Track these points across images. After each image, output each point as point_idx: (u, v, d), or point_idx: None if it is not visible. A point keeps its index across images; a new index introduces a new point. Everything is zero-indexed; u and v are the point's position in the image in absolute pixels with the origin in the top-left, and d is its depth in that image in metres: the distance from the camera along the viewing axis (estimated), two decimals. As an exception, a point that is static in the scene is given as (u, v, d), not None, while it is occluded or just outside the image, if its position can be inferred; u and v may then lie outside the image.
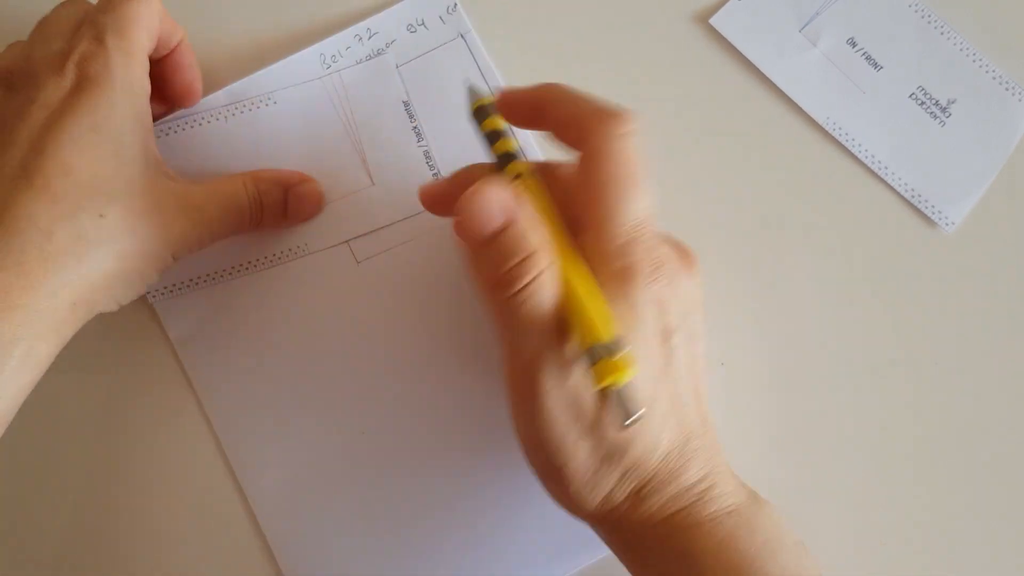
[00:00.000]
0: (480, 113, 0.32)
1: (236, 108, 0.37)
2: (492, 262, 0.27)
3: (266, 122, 0.37)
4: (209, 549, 0.36)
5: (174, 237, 0.32)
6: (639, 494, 0.28)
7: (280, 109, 0.38)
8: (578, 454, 0.27)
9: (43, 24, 0.33)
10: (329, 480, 0.36)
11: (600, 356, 0.25)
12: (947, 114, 0.39)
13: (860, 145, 0.39)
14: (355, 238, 0.37)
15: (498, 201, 0.26)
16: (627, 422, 0.25)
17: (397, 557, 0.36)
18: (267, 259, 0.37)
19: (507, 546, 0.36)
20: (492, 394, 0.36)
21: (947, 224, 0.38)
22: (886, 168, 0.39)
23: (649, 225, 0.28)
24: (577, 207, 0.29)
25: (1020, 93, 0.39)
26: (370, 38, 0.39)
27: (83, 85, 0.30)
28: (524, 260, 0.26)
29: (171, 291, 0.36)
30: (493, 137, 0.31)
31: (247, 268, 0.37)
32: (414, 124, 0.38)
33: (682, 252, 0.30)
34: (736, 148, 0.39)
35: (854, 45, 0.40)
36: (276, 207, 0.36)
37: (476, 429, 0.36)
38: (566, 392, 0.27)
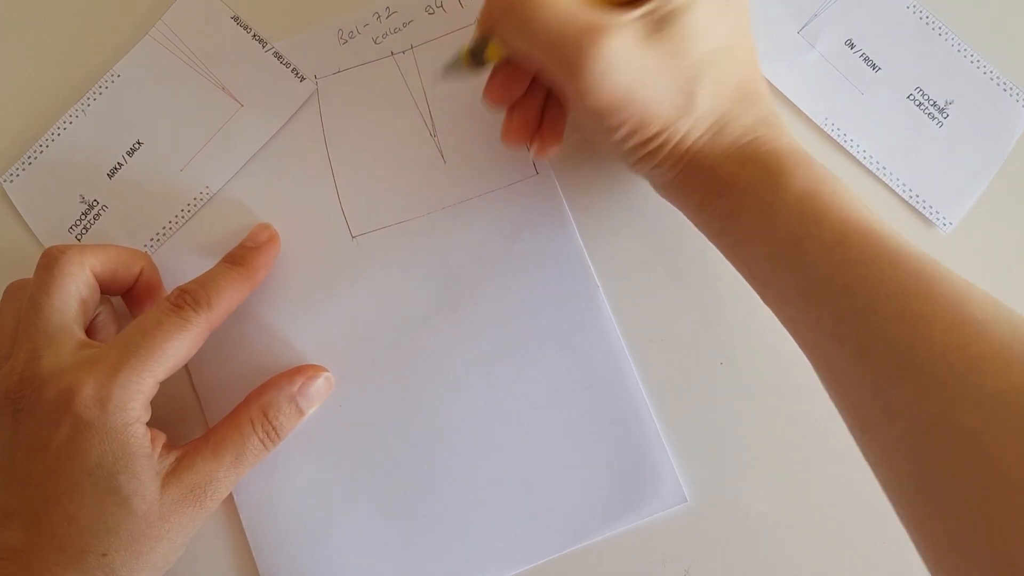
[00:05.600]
0: (463, 60, 0.33)
1: (88, 99, 0.38)
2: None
3: (129, 103, 0.38)
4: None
5: (182, 531, 0.32)
6: (718, 124, 0.31)
7: (130, 84, 0.38)
8: (656, 93, 0.30)
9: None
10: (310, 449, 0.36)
11: None
12: (945, 115, 0.39)
13: (858, 146, 0.39)
14: (248, 161, 0.38)
15: None
16: None
17: (383, 551, 0.36)
18: (178, 216, 0.38)
19: (483, 534, 0.36)
20: (483, 369, 0.37)
21: (945, 224, 0.39)
22: (884, 168, 0.39)
23: None
24: None
25: (1017, 94, 0.39)
26: (388, 17, 0.38)
27: (78, 427, 0.30)
28: None
29: None
30: (479, 45, 0.32)
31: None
32: (252, 33, 0.38)
33: None
34: (735, 149, 0.39)
35: (852, 46, 0.40)
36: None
37: (470, 408, 0.36)
38: (619, 58, 0.28)
